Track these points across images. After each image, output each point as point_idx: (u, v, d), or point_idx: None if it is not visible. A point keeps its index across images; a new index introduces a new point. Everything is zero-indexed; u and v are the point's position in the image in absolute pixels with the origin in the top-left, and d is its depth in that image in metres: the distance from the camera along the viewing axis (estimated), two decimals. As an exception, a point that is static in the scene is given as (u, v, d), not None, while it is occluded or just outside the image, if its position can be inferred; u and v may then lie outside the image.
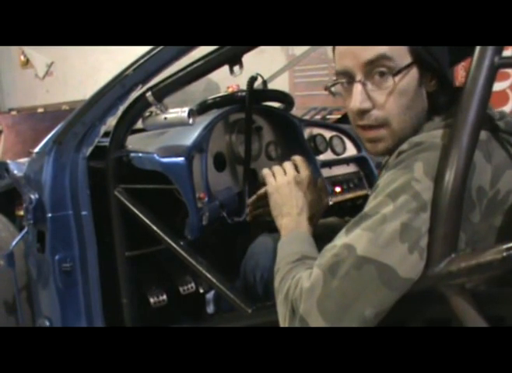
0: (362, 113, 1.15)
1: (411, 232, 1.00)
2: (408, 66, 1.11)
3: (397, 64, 1.10)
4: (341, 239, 1.06)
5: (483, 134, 1.07)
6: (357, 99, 1.13)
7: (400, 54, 1.11)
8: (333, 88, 1.22)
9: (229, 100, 1.96)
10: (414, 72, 1.12)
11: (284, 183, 1.37)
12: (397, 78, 1.11)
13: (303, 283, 1.07)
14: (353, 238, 1.03)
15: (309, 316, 1.04)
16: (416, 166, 1.02)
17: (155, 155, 1.68)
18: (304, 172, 1.39)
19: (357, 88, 1.13)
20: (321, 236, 1.28)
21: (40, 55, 7.21)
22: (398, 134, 1.14)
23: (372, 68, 1.12)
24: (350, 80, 1.15)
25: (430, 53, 1.12)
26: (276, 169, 1.41)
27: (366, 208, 1.06)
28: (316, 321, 1.03)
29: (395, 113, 1.13)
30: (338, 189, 2.21)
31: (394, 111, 1.13)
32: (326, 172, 2.18)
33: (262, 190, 1.50)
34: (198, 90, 4.40)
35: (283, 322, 1.11)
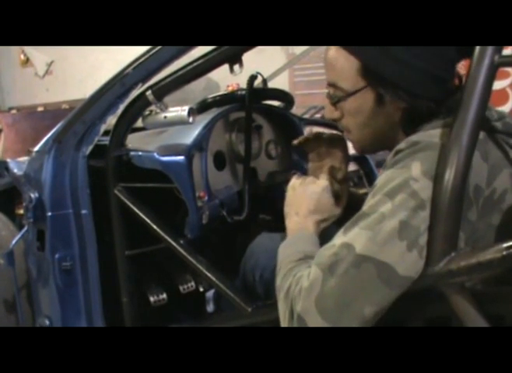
0: (335, 120, 1.28)
1: (409, 230, 1.00)
2: (359, 90, 1.17)
3: (347, 89, 1.19)
4: (339, 238, 1.06)
5: (480, 134, 1.07)
6: (326, 110, 1.29)
7: (350, 80, 1.18)
8: None
9: (229, 99, 1.96)
10: (369, 94, 1.17)
11: (299, 183, 1.35)
12: (348, 101, 1.20)
13: (303, 282, 1.07)
14: (352, 236, 1.03)
15: (307, 315, 1.04)
16: (414, 165, 1.03)
17: (155, 154, 1.67)
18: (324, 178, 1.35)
19: (326, 101, 1.26)
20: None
21: (40, 54, 7.21)
22: (363, 143, 1.27)
23: (330, 89, 1.24)
24: None
25: (381, 76, 1.14)
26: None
27: (365, 207, 1.06)
28: (314, 319, 1.03)
29: (352, 128, 1.25)
30: (337, 187, 2.21)
31: (351, 127, 1.25)
32: (326, 171, 2.18)
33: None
34: (197, 89, 4.40)
35: (283, 320, 1.11)
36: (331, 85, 1.23)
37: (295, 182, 1.36)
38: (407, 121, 1.18)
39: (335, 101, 1.22)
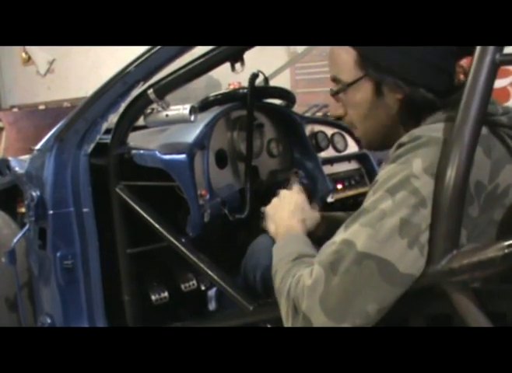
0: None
1: (410, 228, 1.00)
2: (357, 81, 1.20)
3: (347, 81, 1.22)
4: (340, 235, 1.06)
5: (483, 129, 1.06)
6: (331, 107, 1.32)
7: (349, 72, 1.21)
8: None
9: (231, 97, 1.96)
10: (367, 85, 1.20)
11: (276, 200, 1.48)
12: (347, 93, 1.23)
13: (304, 280, 1.07)
14: (352, 233, 1.03)
15: (311, 313, 1.04)
16: (415, 162, 1.02)
17: (156, 152, 1.68)
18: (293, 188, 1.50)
19: (328, 98, 1.29)
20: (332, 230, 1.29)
21: (42, 52, 7.21)
22: (368, 137, 1.28)
23: (334, 84, 1.26)
24: None
25: (377, 64, 1.16)
26: None
27: (365, 203, 1.06)
28: (318, 318, 1.03)
29: (356, 121, 1.27)
30: (339, 186, 2.21)
31: (355, 119, 1.27)
32: (327, 169, 2.18)
33: None
34: (199, 87, 4.40)
35: (286, 320, 1.11)
36: (333, 79, 1.25)
37: (272, 202, 1.49)
38: (405, 114, 1.19)
39: (335, 93, 1.25)
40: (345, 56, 1.20)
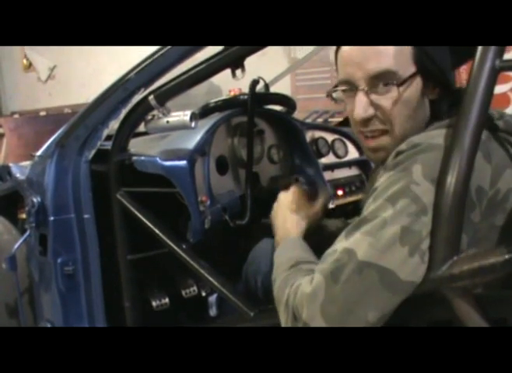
0: (366, 121, 1.16)
1: (411, 236, 0.99)
2: (412, 76, 1.12)
3: (401, 75, 1.12)
4: (341, 243, 1.06)
5: (482, 135, 1.07)
6: (361, 107, 1.15)
7: (404, 65, 1.12)
8: (334, 94, 1.23)
9: (232, 104, 1.97)
10: (417, 82, 1.14)
11: (275, 206, 1.48)
12: (401, 89, 1.12)
13: (303, 289, 1.06)
14: (353, 242, 1.03)
15: (312, 321, 1.04)
16: (415, 169, 1.02)
17: (157, 159, 1.68)
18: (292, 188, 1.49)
19: (361, 96, 1.15)
20: (328, 237, 1.28)
21: (43, 58, 7.22)
22: (399, 143, 1.13)
23: (376, 80, 1.13)
24: (353, 88, 1.16)
25: (433, 60, 1.13)
26: None
27: (366, 212, 1.06)
28: (319, 326, 1.03)
29: (397, 123, 1.15)
30: (340, 192, 2.21)
31: (397, 120, 1.15)
32: (328, 176, 2.19)
33: None
34: (200, 93, 4.39)
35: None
36: (385, 73, 1.12)
37: (273, 208, 1.49)
38: (431, 115, 1.18)
39: (400, 84, 1.11)
40: (401, 47, 1.11)
